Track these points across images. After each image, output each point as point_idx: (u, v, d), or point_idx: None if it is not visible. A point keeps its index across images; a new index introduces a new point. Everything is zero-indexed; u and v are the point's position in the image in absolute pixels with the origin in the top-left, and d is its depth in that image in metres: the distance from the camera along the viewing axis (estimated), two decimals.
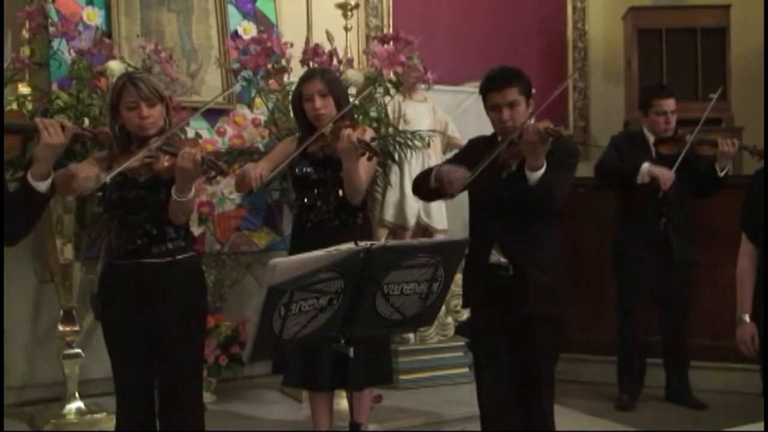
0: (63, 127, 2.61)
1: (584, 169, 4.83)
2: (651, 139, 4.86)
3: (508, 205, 3.28)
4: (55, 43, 4.30)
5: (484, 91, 3.39)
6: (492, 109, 3.36)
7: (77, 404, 4.20)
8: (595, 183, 4.97)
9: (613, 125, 6.51)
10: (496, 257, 3.34)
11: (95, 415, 4.19)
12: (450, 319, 5.10)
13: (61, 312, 4.22)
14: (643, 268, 4.79)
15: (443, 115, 5.29)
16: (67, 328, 4.21)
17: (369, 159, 3.43)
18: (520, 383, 3.40)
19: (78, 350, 4.21)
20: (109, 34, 4.65)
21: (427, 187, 3.38)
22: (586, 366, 5.32)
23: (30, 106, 4.22)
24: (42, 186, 2.60)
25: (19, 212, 2.65)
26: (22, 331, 4.58)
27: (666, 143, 4.78)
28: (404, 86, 4.80)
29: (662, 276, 4.82)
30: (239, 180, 3.61)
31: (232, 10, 5.17)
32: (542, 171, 3.16)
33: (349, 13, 5.67)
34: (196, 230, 4.01)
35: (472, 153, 3.48)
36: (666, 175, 4.56)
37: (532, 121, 3.30)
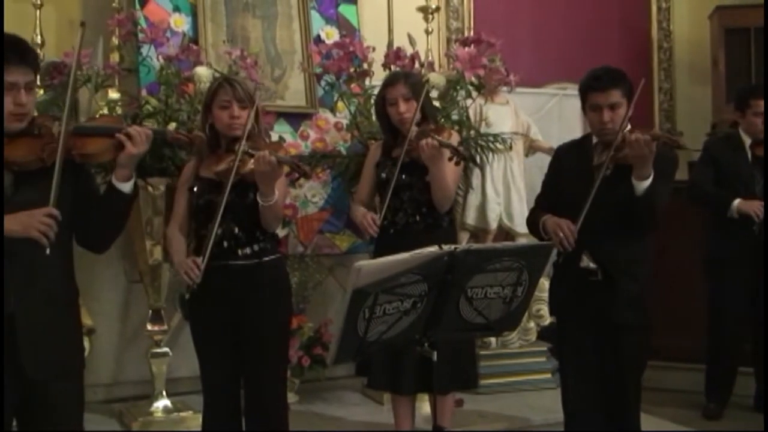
0: (146, 135, 2.66)
1: None
2: (747, 141, 4.73)
3: (601, 211, 3.20)
4: (144, 50, 4.41)
5: (586, 90, 3.31)
6: (592, 109, 3.28)
7: (164, 402, 4.29)
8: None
9: (700, 127, 6.37)
10: (586, 262, 3.29)
11: (182, 413, 4.27)
12: (532, 324, 5.05)
13: (150, 312, 4.32)
14: (736, 272, 4.66)
15: (525, 118, 5.25)
16: (156, 328, 4.30)
17: (457, 164, 3.42)
18: (606, 390, 3.34)
19: (166, 349, 4.31)
20: (195, 40, 4.75)
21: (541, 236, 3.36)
22: (673, 373, 5.21)
23: (119, 111, 4.34)
24: (126, 187, 2.66)
25: (108, 214, 2.72)
26: (112, 330, 4.71)
27: (763, 145, 4.65)
28: (486, 89, 4.77)
29: (756, 281, 4.67)
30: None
31: (315, 15, 5.23)
32: (650, 180, 3.09)
33: (430, 16, 5.68)
34: (279, 232, 4.06)
35: (561, 169, 3.46)
36: (755, 207, 4.47)
37: (629, 126, 3.22)
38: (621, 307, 3.26)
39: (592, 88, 3.28)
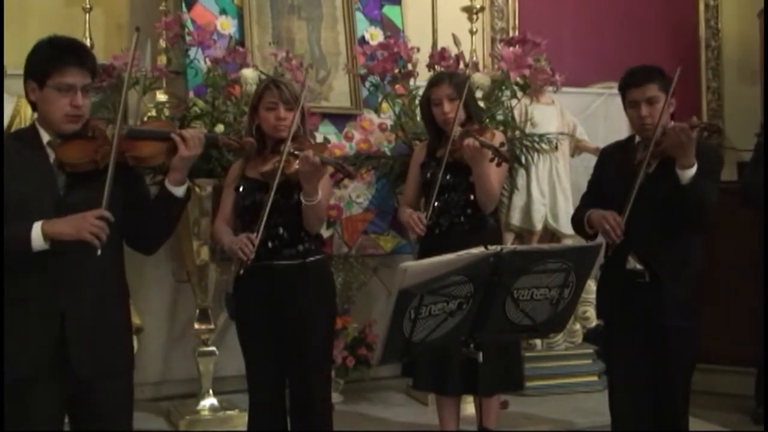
0: (198, 139, 2.68)
1: None
2: None
3: (647, 211, 3.16)
4: (191, 52, 4.45)
5: (623, 87, 3.31)
6: (630, 105, 3.27)
7: (211, 401, 4.33)
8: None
9: (749, 126, 6.25)
10: (633, 264, 3.25)
11: (228, 412, 4.31)
12: (578, 326, 5.01)
13: (197, 311, 4.37)
14: None
15: (571, 118, 5.21)
16: (203, 327, 4.35)
17: (498, 164, 3.40)
18: (653, 392, 3.30)
19: (212, 348, 4.35)
20: (242, 42, 4.79)
21: (586, 232, 3.34)
22: (722, 377, 5.12)
23: (167, 113, 4.39)
24: (179, 191, 2.69)
25: (160, 217, 2.75)
26: (160, 329, 4.77)
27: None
28: (531, 89, 4.75)
29: None
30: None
31: (359, 16, 5.24)
32: (694, 169, 3.05)
33: (475, 16, 5.67)
34: (324, 233, 4.08)
35: (605, 170, 3.43)
36: None
37: (672, 121, 3.19)
38: (668, 309, 3.22)
39: (628, 84, 3.28)
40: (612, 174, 3.38)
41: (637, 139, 3.33)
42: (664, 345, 3.24)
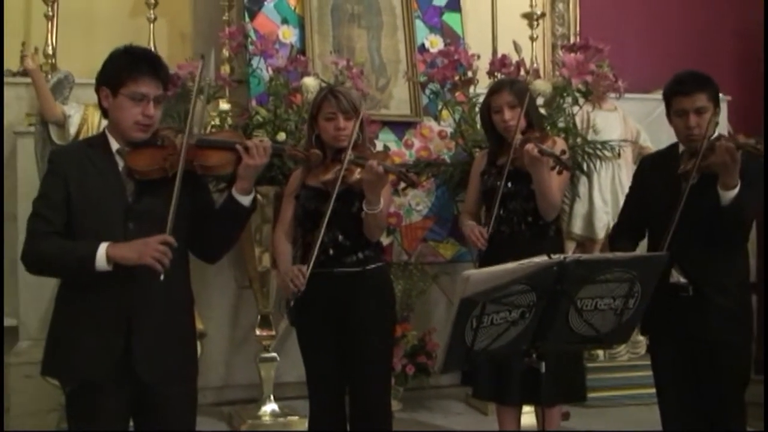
0: (264, 149, 2.71)
1: None
2: None
3: (689, 222, 3.05)
4: (254, 62, 4.51)
5: (671, 95, 3.20)
6: (677, 114, 3.17)
7: (272, 406, 4.37)
8: None
9: None
10: (676, 277, 3.11)
11: (289, 418, 4.34)
12: (642, 337, 4.91)
13: (259, 317, 4.42)
14: None
15: (634, 124, 5.14)
16: (264, 333, 4.40)
17: (559, 173, 3.36)
18: (707, 411, 3.18)
19: (274, 354, 4.39)
20: (303, 51, 4.84)
21: None
22: None
23: (230, 121, 4.45)
24: (246, 200, 2.72)
25: (225, 226, 2.78)
26: (222, 335, 4.82)
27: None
28: (593, 95, 4.69)
29: None
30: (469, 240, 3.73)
31: (419, 24, 5.25)
32: (737, 190, 2.95)
33: (535, 23, 5.65)
34: (384, 240, 4.08)
35: (646, 181, 3.36)
36: None
37: (716, 131, 3.12)
38: (716, 323, 3.10)
39: (677, 92, 3.17)
40: (657, 184, 3.28)
41: (681, 148, 3.24)
42: (713, 361, 3.12)
